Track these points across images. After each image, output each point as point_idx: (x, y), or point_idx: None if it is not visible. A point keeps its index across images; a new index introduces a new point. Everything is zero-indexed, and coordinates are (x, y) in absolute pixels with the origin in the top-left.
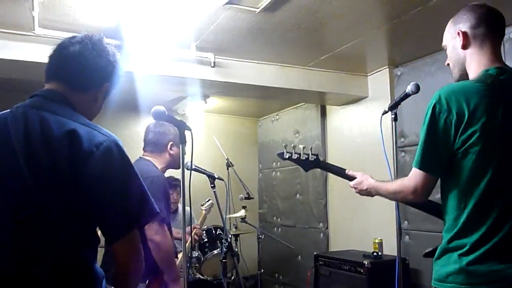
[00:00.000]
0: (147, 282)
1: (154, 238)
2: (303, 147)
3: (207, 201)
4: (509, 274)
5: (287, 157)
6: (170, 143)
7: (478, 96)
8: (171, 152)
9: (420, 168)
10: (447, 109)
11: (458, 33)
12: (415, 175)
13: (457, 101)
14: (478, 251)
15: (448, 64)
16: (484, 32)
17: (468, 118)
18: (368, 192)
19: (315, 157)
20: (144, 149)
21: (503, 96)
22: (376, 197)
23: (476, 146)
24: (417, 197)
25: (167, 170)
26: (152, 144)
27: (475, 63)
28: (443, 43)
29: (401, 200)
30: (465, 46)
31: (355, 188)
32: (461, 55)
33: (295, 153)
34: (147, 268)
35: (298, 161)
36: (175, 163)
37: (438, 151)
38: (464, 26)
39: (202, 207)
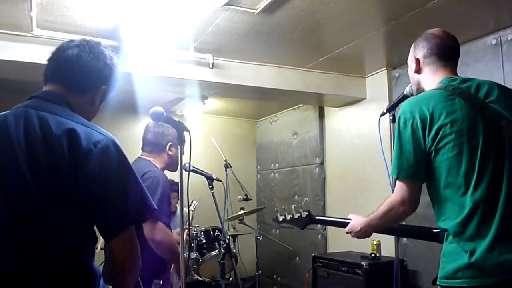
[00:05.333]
0: (161, 282)
1: (153, 237)
2: (294, 206)
3: (192, 201)
4: None
5: (281, 219)
6: (169, 144)
7: (435, 98)
8: (170, 153)
9: (397, 176)
10: (411, 116)
11: (413, 59)
12: (398, 187)
13: (418, 108)
14: (483, 243)
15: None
16: (436, 60)
17: (431, 118)
18: (363, 232)
19: (307, 213)
20: (142, 149)
21: (457, 92)
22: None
23: (444, 140)
24: (407, 208)
25: (165, 172)
26: (151, 144)
27: (430, 83)
28: (407, 62)
29: (394, 218)
30: (417, 71)
31: (350, 232)
32: (415, 77)
33: (288, 214)
34: (158, 268)
35: (292, 221)
36: (173, 164)
37: (411, 155)
38: (419, 54)
39: (190, 208)
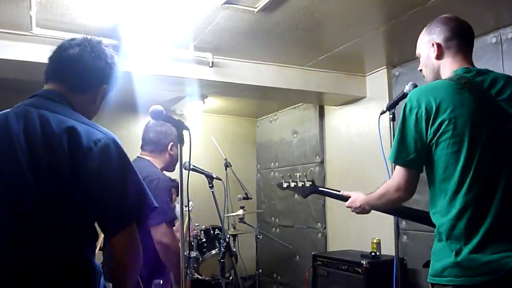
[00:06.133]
0: (161, 282)
1: (162, 240)
2: (299, 175)
3: (188, 202)
4: (502, 264)
5: (285, 186)
6: (171, 143)
7: (445, 90)
8: (171, 152)
9: (394, 162)
10: (417, 105)
11: (433, 44)
12: (396, 173)
13: (426, 97)
14: (470, 243)
15: (421, 70)
16: (457, 43)
17: (436, 110)
18: (362, 209)
19: (310, 182)
20: (142, 148)
21: (468, 87)
22: None
23: (446, 134)
24: (402, 194)
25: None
26: (153, 144)
27: (448, 70)
28: (417, 52)
29: (389, 202)
30: (439, 57)
31: (350, 207)
32: (435, 64)
33: (292, 181)
34: (158, 268)
35: (295, 189)
36: (173, 164)
37: (411, 144)
38: (438, 38)
39: (185, 209)
